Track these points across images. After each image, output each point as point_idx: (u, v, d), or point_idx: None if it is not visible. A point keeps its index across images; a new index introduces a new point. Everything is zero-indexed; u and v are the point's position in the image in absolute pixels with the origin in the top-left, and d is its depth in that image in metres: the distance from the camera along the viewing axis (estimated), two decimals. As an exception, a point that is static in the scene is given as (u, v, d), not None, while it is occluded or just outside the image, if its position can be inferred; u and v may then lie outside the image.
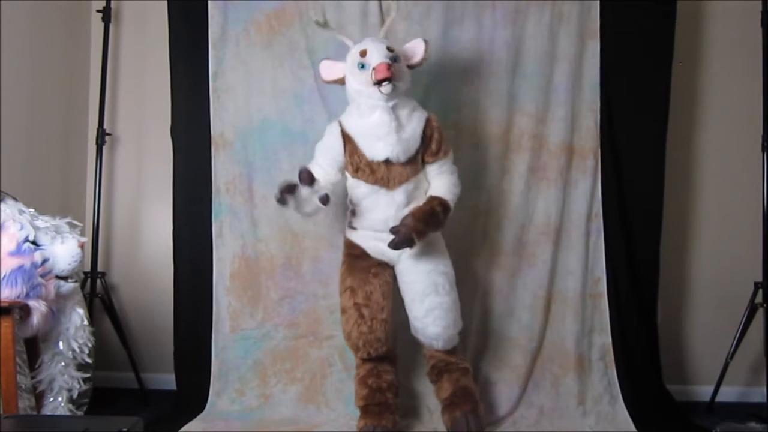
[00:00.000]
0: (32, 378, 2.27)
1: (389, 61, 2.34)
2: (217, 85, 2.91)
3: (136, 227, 3.25)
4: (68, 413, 2.27)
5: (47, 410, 2.26)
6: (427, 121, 2.45)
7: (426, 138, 2.44)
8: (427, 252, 2.45)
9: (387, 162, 2.40)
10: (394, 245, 2.33)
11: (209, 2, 2.89)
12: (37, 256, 2.13)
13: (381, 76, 2.30)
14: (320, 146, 2.52)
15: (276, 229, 2.87)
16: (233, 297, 2.87)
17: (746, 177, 3.10)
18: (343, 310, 2.48)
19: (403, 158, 2.39)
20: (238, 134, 2.90)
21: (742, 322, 2.89)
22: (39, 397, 2.28)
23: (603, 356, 2.83)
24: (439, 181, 2.48)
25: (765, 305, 2.88)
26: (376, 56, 2.36)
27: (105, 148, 3.11)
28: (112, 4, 3.12)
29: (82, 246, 2.25)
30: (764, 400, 2.91)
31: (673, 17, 2.91)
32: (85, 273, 2.96)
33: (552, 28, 2.88)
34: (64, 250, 2.20)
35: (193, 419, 2.62)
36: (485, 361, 2.80)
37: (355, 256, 2.51)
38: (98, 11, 3.12)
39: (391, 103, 2.36)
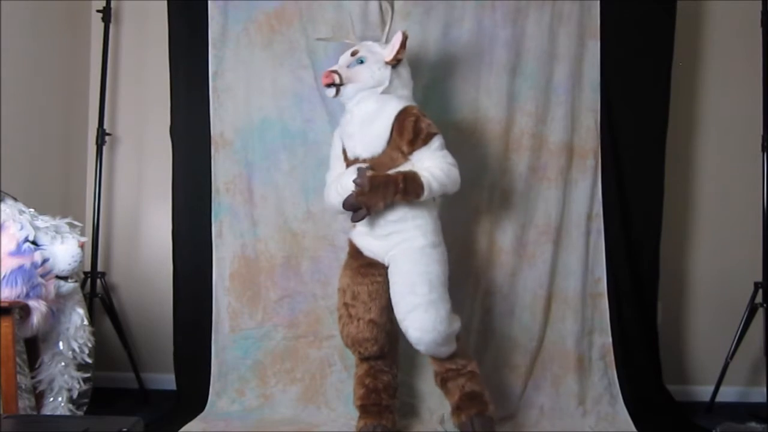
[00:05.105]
0: (32, 378, 2.27)
1: (335, 68, 2.42)
2: (217, 85, 2.91)
3: (136, 227, 3.25)
4: (68, 413, 2.27)
5: (47, 410, 2.26)
6: (401, 112, 2.34)
7: (396, 128, 2.33)
8: (410, 252, 2.34)
9: (365, 159, 2.36)
10: (343, 205, 2.32)
11: (209, 2, 2.89)
12: (37, 256, 2.12)
13: (323, 82, 2.40)
14: (332, 154, 2.54)
15: (275, 229, 2.87)
16: (233, 297, 2.87)
17: (746, 177, 3.10)
18: (338, 310, 2.49)
19: (366, 155, 2.36)
20: (238, 134, 2.91)
21: (742, 322, 2.89)
22: (39, 397, 2.28)
23: (603, 356, 2.83)
24: (425, 164, 2.33)
25: (765, 305, 2.88)
26: (340, 61, 2.47)
27: (105, 148, 3.11)
28: (112, 4, 3.12)
29: (82, 246, 2.25)
30: (764, 400, 2.90)
31: (673, 17, 2.91)
32: (85, 273, 2.96)
33: (552, 28, 2.88)
34: (64, 250, 2.19)
35: (193, 419, 2.62)
36: (485, 360, 2.79)
37: (351, 255, 2.51)
38: (98, 11, 3.12)
39: (352, 103, 2.40)
